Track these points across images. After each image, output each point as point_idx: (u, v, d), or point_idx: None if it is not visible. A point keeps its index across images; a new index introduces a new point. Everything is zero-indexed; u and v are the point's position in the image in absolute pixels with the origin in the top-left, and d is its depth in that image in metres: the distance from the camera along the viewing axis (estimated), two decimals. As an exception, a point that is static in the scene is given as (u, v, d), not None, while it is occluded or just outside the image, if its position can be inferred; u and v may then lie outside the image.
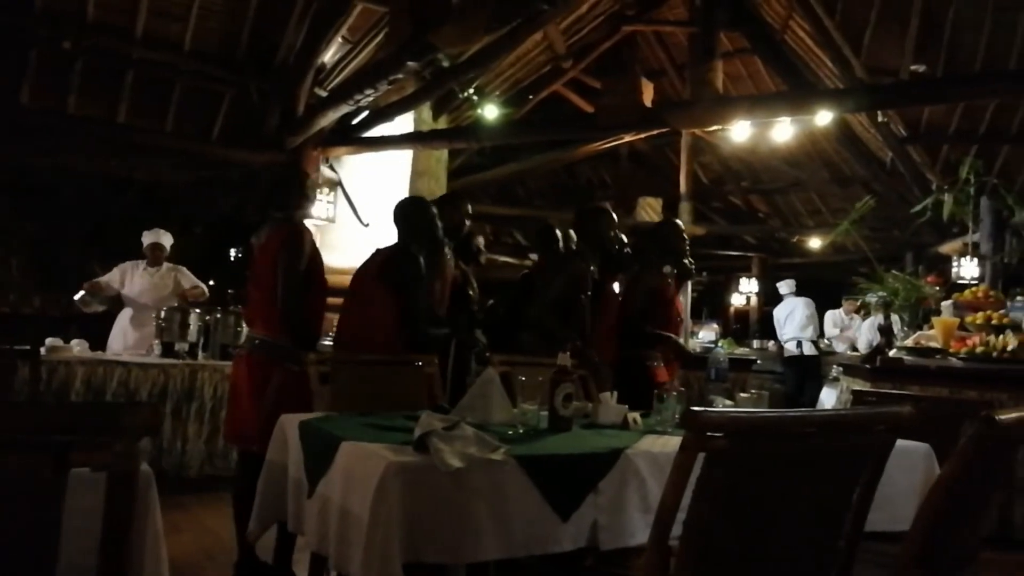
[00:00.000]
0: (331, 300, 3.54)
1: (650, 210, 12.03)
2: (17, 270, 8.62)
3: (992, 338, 4.89)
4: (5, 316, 8.32)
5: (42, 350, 4.69)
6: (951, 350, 5.00)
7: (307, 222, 3.57)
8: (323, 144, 7.53)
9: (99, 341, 5.56)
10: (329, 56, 7.37)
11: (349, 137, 7.62)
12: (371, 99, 6.65)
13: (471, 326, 4.05)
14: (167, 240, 5.86)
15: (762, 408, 2.74)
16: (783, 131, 9.13)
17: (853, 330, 9.55)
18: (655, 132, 7.65)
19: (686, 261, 4.35)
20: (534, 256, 6.55)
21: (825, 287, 10.70)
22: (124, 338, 5.67)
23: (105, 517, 1.39)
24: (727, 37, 9.94)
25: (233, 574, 3.27)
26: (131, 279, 5.73)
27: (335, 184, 7.91)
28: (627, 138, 8.64)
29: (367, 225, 7.78)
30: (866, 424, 1.62)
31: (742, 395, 2.86)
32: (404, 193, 7.36)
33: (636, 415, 2.60)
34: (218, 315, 5.32)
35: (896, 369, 4.88)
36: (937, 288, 6.32)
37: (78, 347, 5.14)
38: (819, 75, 9.69)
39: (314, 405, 2.77)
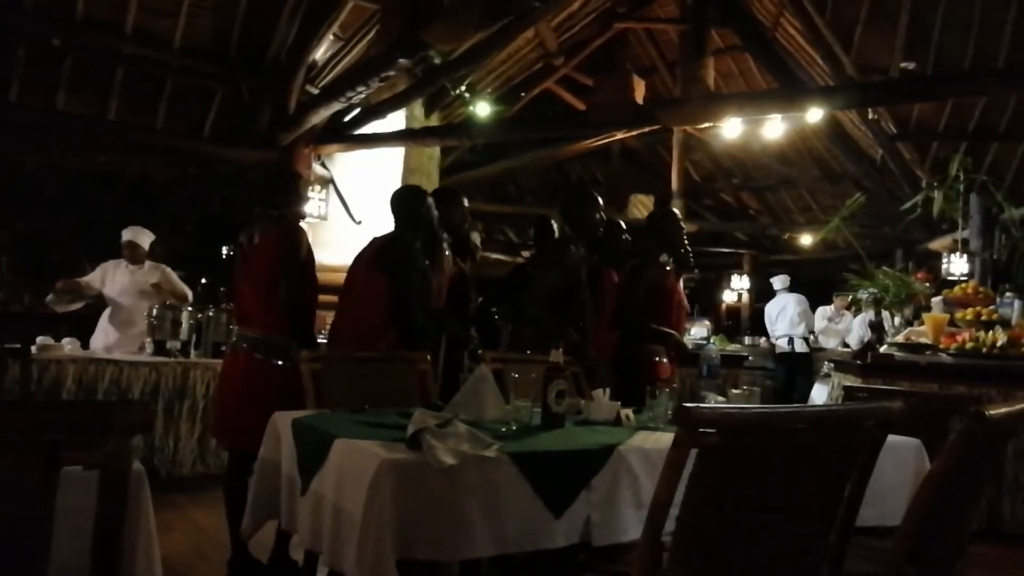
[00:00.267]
0: (322, 298, 3.54)
1: (642, 207, 12.05)
2: (7, 268, 8.57)
3: (981, 334, 4.92)
4: (-5, 314, 8.26)
5: (33, 348, 4.67)
6: (941, 346, 5.03)
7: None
8: (315, 141, 7.51)
9: (88, 340, 5.53)
10: (321, 53, 7.35)
11: (341, 134, 7.60)
12: (363, 96, 6.64)
13: (466, 324, 4.04)
14: (146, 238, 5.70)
15: (754, 404, 2.76)
16: (774, 128, 9.16)
17: (844, 325, 9.59)
18: (646, 129, 7.64)
19: (683, 250, 4.33)
20: (525, 253, 6.56)
21: (816, 284, 10.74)
22: (105, 337, 5.59)
23: (97, 516, 1.38)
24: (718, 35, 9.97)
25: (227, 572, 3.27)
26: (112, 277, 5.63)
27: (327, 182, 7.89)
28: (619, 135, 8.64)
29: (359, 223, 7.77)
30: (857, 420, 1.63)
31: (734, 391, 2.87)
32: (396, 190, 7.33)
33: (629, 411, 2.61)
34: (210, 313, 5.29)
35: (887, 365, 4.91)
36: (927, 284, 6.35)
37: (69, 345, 5.11)
38: (810, 72, 9.71)
39: (307, 402, 2.77)
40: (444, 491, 1.83)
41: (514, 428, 2.31)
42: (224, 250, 6.77)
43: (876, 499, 1.87)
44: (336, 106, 6.81)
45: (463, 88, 8.82)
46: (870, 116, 8.72)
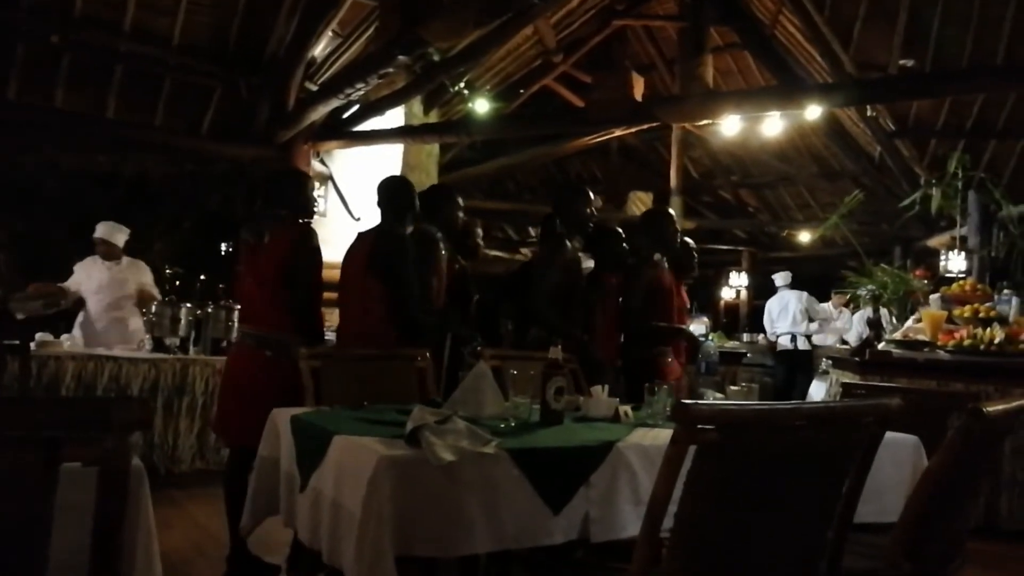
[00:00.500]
0: (325, 295, 3.54)
1: (640, 204, 12.04)
2: (5, 266, 8.56)
3: (979, 331, 4.92)
4: (-7, 312, 8.25)
5: (32, 345, 4.67)
6: (939, 343, 5.03)
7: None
8: (314, 138, 7.51)
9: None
10: (319, 50, 7.34)
11: (340, 131, 7.60)
12: (362, 93, 6.64)
13: (467, 322, 4.04)
14: (120, 236, 5.60)
15: (752, 401, 2.76)
16: (772, 126, 9.15)
17: (842, 323, 9.59)
18: (645, 126, 7.66)
19: (680, 250, 4.32)
20: (524, 250, 6.55)
21: (814, 281, 10.73)
22: (83, 332, 5.54)
23: (96, 512, 1.38)
24: (717, 32, 9.96)
25: (225, 568, 3.27)
26: (90, 274, 5.58)
27: (326, 178, 7.89)
28: (617, 132, 8.67)
29: (358, 219, 7.76)
30: (855, 417, 1.63)
31: (732, 388, 2.87)
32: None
33: (627, 408, 2.61)
34: (209, 309, 5.28)
35: (885, 362, 4.91)
36: (925, 282, 6.35)
37: (68, 342, 5.11)
38: (808, 70, 9.71)
39: (306, 399, 2.77)
40: (443, 488, 1.83)
41: (513, 425, 2.31)
42: (223, 247, 6.75)
43: (874, 496, 1.87)
44: (335, 103, 6.82)
45: (462, 85, 8.81)
46: (868, 113, 8.72)
